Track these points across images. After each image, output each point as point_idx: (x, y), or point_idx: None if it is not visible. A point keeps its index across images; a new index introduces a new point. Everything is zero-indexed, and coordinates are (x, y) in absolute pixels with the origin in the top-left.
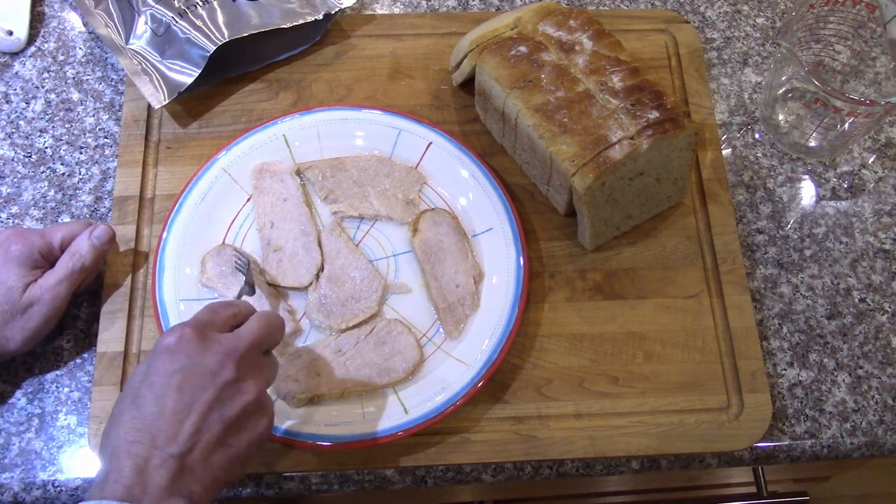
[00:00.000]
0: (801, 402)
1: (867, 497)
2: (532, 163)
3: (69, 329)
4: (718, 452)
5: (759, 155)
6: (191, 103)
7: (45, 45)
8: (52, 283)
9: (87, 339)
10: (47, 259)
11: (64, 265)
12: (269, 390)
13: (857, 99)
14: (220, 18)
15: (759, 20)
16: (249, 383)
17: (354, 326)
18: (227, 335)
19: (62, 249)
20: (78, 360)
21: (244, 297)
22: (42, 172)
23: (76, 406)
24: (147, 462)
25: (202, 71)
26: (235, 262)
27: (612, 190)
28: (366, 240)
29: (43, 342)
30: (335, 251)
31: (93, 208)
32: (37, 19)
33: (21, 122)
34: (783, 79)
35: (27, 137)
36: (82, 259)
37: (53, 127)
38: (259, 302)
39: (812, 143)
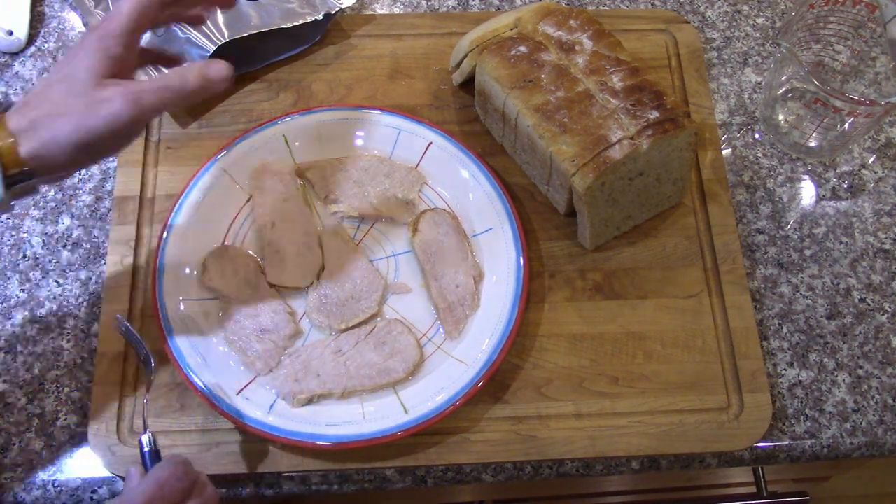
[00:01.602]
0: (801, 402)
1: (867, 497)
2: (532, 163)
3: (69, 329)
4: (718, 452)
5: (759, 155)
6: None
7: (45, 45)
8: (136, 88)
9: (87, 339)
10: (127, 66)
11: (161, 78)
12: (269, 390)
13: (857, 99)
14: (220, 18)
15: (759, 20)
16: None
17: (354, 326)
18: None
19: (134, 34)
20: (78, 360)
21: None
22: None
23: (76, 406)
24: None
25: None
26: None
27: (612, 190)
28: (366, 240)
29: (43, 341)
30: (335, 251)
31: (93, 208)
32: (37, 19)
33: None
34: (783, 79)
35: None
36: (184, 81)
37: None
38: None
39: (812, 143)
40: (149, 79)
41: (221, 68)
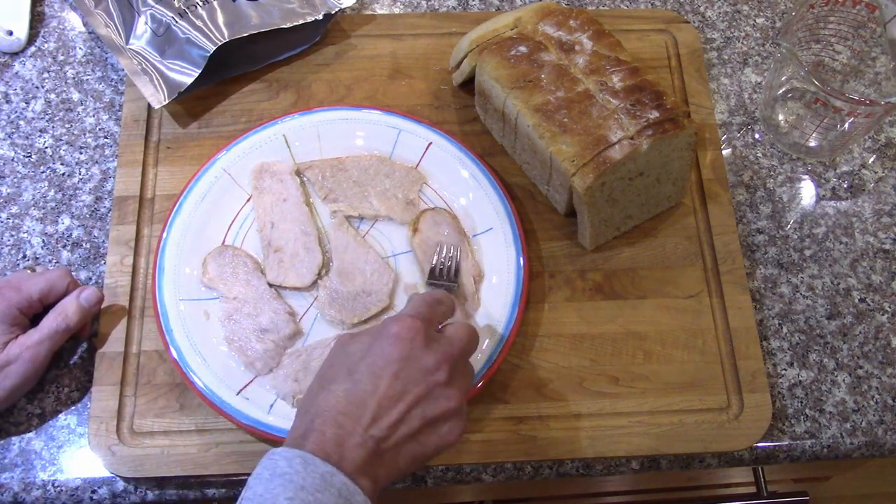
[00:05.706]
0: (801, 402)
1: (867, 497)
2: (532, 163)
3: None
4: (718, 452)
5: (759, 155)
6: (191, 103)
7: (45, 45)
8: (33, 343)
9: (88, 339)
10: (26, 314)
11: (48, 325)
12: (269, 390)
13: (857, 99)
14: (220, 18)
15: (759, 20)
16: (454, 389)
17: (366, 321)
18: (445, 337)
19: (42, 302)
20: (78, 360)
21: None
22: (42, 172)
23: (76, 406)
24: (349, 436)
25: (202, 71)
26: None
27: (612, 190)
28: (366, 240)
29: None
30: (343, 246)
31: (93, 208)
32: (37, 19)
33: (21, 122)
34: (783, 79)
35: (27, 137)
36: (67, 320)
37: (53, 127)
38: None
39: (812, 143)
40: (46, 321)
41: (91, 293)
